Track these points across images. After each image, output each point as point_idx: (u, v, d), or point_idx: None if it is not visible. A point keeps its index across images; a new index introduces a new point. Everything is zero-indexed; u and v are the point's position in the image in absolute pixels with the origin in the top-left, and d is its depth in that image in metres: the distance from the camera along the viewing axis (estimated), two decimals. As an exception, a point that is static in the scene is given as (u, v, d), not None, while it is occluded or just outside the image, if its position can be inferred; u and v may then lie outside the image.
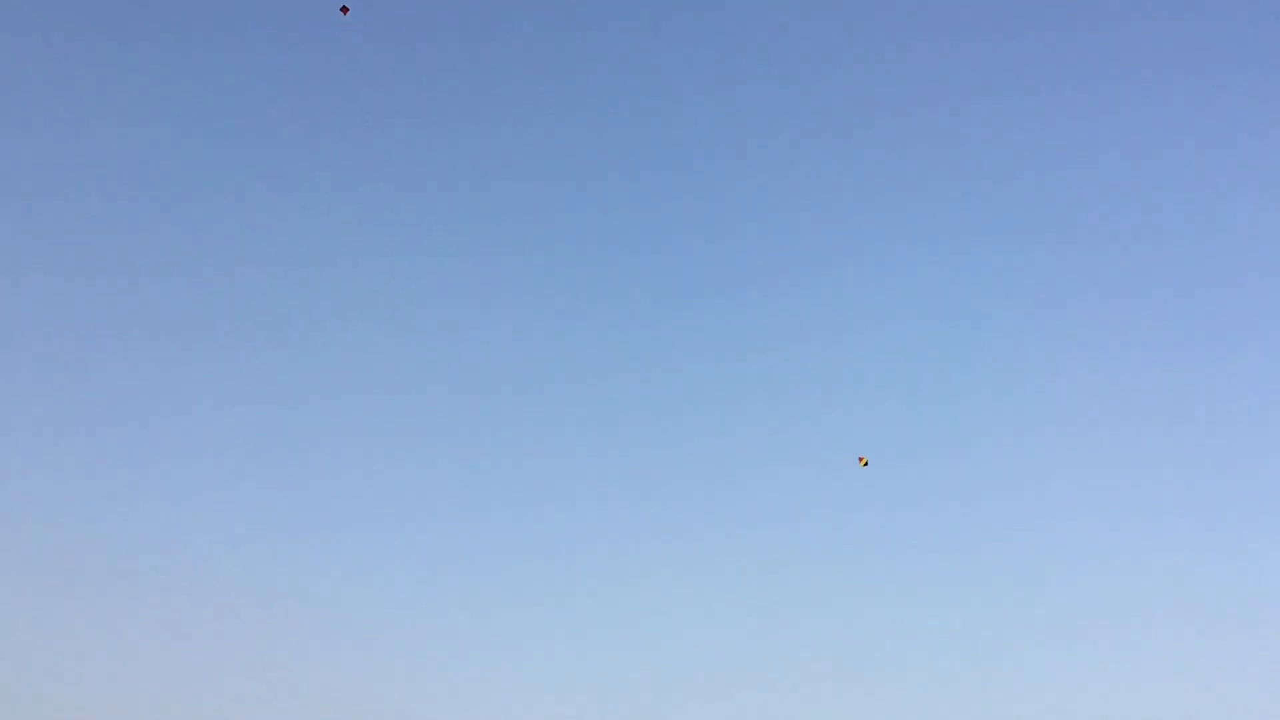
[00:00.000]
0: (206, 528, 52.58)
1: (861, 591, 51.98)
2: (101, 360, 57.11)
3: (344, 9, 44.09)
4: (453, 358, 60.07)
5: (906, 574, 52.23)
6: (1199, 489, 53.54)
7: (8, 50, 61.81)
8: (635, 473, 56.69)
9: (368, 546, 53.06)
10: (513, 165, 65.21)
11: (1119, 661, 48.36)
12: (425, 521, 54.48)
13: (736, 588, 52.40)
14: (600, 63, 67.68)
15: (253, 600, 50.87)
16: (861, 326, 60.87)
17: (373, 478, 55.38)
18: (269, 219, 62.00)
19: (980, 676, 48.37)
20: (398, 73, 65.24)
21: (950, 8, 66.04)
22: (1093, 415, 56.54)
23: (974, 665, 48.82)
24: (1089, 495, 54.01)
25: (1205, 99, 62.94)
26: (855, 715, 47.38)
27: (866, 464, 47.28)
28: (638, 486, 56.13)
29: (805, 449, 56.85)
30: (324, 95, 64.43)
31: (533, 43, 66.95)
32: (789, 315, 61.27)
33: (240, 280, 60.20)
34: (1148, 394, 56.83)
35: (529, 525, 54.66)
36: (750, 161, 65.14)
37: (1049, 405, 57.17)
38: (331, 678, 48.69)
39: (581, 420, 58.46)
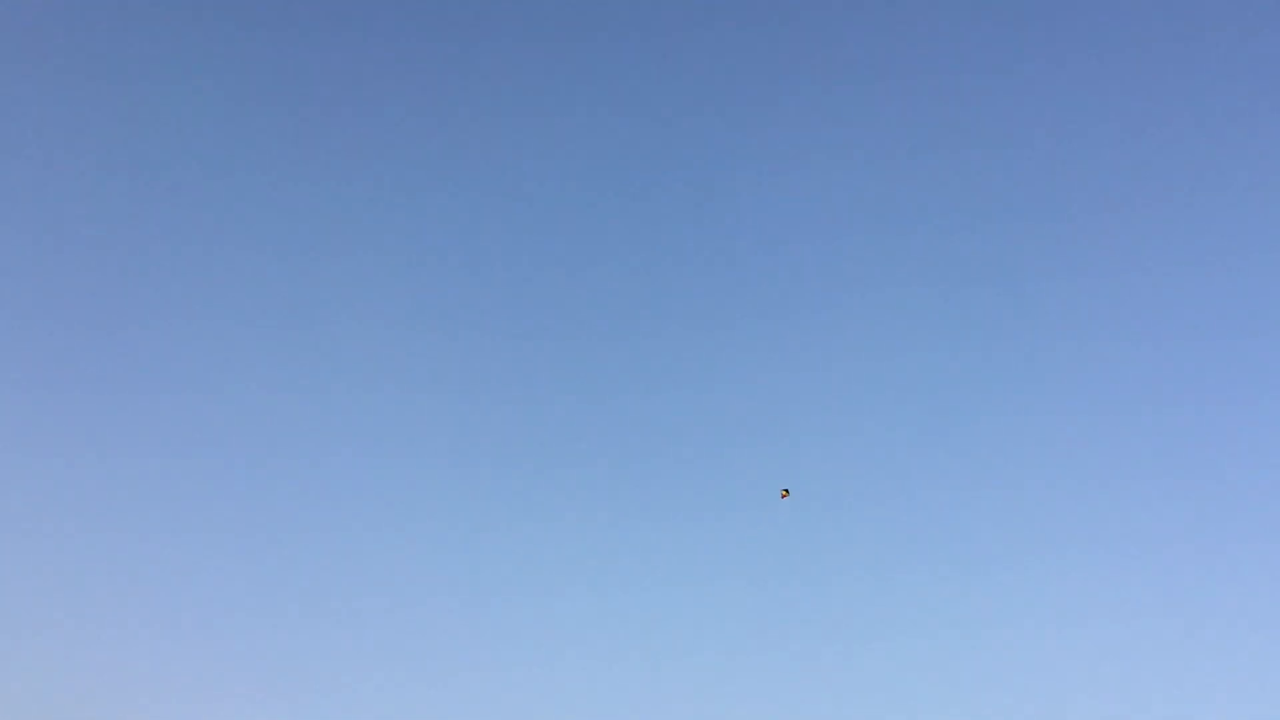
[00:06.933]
0: (205, 527, 52.93)
1: (859, 597, 52.23)
2: (101, 357, 57.38)
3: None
4: (452, 356, 60.30)
5: (903, 579, 52.45)
6: (1196, 497, 53.59)
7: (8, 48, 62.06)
8: (634, 476, 56.92)
9: (366, 545, 53.39)
10: (511, 163, 65.44)
11: (1117, 669, 48.55)
12: (424, 520, 54.82)
13: (734, 592, 52.67)
14: (602, 70, 67.73)
15: (252, 600, 51.23)
16: (863, 334, 60.99)
17: (371, 475, 55.73)
18: (269, 217, 62.31)
19: (977, 683, 48.63)
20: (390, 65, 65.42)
21: (954, 7, 66.07)
22: (1090, 424, 56.57)
23: (970, 671, 49.06)
24: (1087, 506, 54.13)
25: (1204, 98, 62.88)
26: (853, 715, 47.72)
27: (787, 495, 47.87)
28: (637, 490, 56.37)
29: (803, 456, 57.08)
30: (322, 93, 64.65)
31: (533, 43, 67.21)
32: (787, 324, 61.40)
33: (241, 280, 60.54)
34: (1143, 402, 56.83)
35: (528, 524, 54.96)
36: (747, 167, 65.29)
37: (1048, 411, 57.22)
38: (331, 678, 48.95)
39: (579, 421, 58.68)
